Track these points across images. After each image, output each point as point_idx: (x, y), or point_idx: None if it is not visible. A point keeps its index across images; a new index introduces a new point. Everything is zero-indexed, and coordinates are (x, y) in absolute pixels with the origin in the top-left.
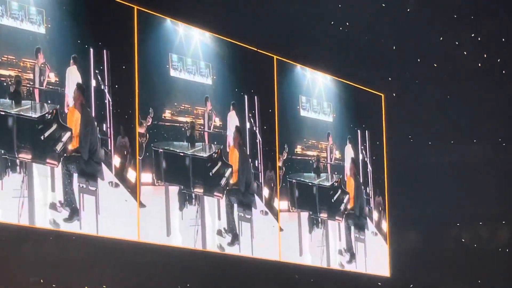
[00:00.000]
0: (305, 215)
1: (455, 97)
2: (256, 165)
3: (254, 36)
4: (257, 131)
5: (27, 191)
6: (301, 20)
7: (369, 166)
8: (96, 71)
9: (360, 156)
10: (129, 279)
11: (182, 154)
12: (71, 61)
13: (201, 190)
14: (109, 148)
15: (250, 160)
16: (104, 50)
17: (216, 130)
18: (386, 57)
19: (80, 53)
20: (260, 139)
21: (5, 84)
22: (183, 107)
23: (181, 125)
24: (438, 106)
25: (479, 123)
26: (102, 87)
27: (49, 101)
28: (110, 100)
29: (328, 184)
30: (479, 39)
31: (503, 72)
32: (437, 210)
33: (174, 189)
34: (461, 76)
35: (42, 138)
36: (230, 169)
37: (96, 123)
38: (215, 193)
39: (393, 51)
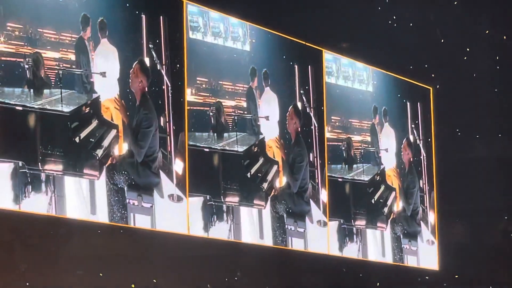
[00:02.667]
0: (333, 225)
1: (502, 90)
2: (311, 159)
3: (301, 30)
4: (311, 114)
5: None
6: (348, 13)
7: (422, 151)
8: (150, 45)
9: (411, 138)
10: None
11: (207, 149)
12: (99, 32)
13: (236, 199)
14: (168, 149)
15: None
16: (161, 17)
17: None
18: (434, 51)
19: (129, 22)
20: (316, 125)
21: (21, 66)
22: (210, 85)
23: (206, 109)
24: (485, 99)
25: None
26: (159, 67)
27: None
28: (169, 84)
29: (366, 178)
30: None
31: None
32: (485, 203)
33: (196, 201)
34: (509, 69)
35: (77, 141)
36: (275, 167)
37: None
38: (256, 202)
39: (441, 44)
